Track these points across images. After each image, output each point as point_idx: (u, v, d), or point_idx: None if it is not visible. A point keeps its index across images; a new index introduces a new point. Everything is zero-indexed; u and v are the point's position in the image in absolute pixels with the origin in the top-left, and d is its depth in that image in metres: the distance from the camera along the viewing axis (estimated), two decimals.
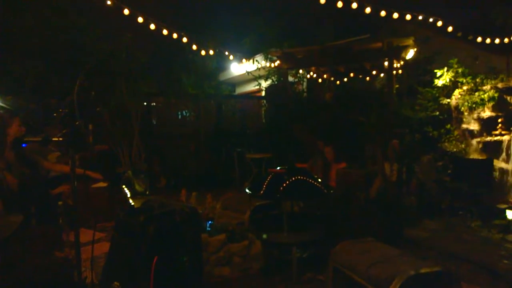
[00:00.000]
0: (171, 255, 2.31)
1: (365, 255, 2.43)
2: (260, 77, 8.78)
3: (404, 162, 5.19)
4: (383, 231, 3.68)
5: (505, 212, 4.74)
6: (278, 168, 3.51)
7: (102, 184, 5.01)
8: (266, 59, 8.38)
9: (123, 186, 5.02)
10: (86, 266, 2.45)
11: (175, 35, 6.23)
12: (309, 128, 6.93)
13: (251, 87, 10.68)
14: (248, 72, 8.73)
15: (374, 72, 8.12)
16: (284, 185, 3.15)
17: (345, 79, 8.72)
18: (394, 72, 6.85)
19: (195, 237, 2.54)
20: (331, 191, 3.54)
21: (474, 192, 5.18)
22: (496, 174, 5.39)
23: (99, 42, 6.09)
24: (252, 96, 11.25)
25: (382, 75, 8.01)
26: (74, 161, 2.20)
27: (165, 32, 6.07)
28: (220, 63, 10.08)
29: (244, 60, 8.29)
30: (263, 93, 9.72)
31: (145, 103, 8.04)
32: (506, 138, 5.42)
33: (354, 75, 8.47)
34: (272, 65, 8.09)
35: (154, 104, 8.90)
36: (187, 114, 9.48)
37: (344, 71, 8.40)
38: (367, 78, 8.46)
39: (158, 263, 2.15)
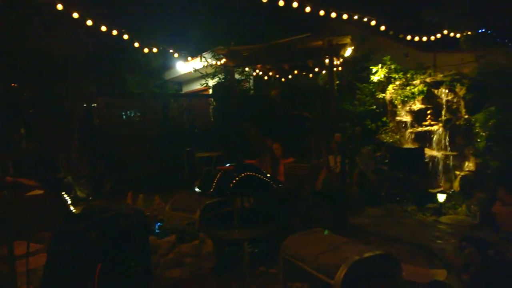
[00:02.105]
0: (116, 261, 2.22)
1: (313, 245, 2.53)
2: (207, 75, 8.71)
3: (346, 154, 5.44)
4: (330, 221, 3.84)
5: (436, 196, 5.17)
6: (227, 165, 3.52)
7: (37, 192, 4.66)
8: (212, 57, 8.33)
9: (63, 193, 4.72)
10: (23, 280, 2.28)
11: (115, 32, 5.97)
12: (256, 125, 7.02)
13: (198, 85, 10.56)
14: (195, 70, 8.62)
15: (316, 69, 8.41)
16: (234, 181, 3.16)
17: (290, 76, 8.94)
18: (335, 69, 7.16)
19: (142, 240, 2.47)
20: (280, 186, 3.62)
21: (408, 179, 5.60)
22: (428, 161, 5.85)
23: (31, 40, 5.66)
24: (199, 94, 11.12)
25: (324, 72, 8.31)
26: (7, 168, 2.04)
27: (103, 28, 5.79)
28: (166, 62, 9.84)
29: (189, 58, 8.17)
30: (210, 91, 9.65)
31: (85, 104, 7.62)
32: (435, 128, 5.91)
33: (298, 72, 8.72)
34: (219, 63, 8.07)
35: (96, 104, 8.46)
36: (132, 114, 9.14)
37: (288, 68, 8.61)
38: (310, 75, 8.75)
39: (103, 270, 2.07)
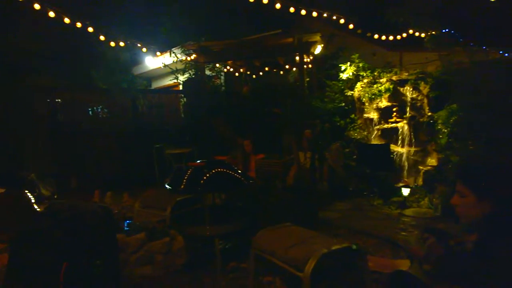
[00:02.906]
0: (82, 260, 2.16)
1: (283, 240, 2.57)
2: (177, 70, 8.58)
3: (316, 150, 5.54)
4: (300, 215, 3.90)
5: (401, 190, 5.37)
6: (198, 161, 3.50)
7: None
8: (182, 52, 8.21)
9: (26, 191, 4.52)
10: None
11: (79, 24, 5.76)
12: (227, 122, 7.01)
13: (168, 81, 10.38)
14: (164, 65, 8.47)
15: (287, 66, 8.49)
16: (205, 178, 3.15)
17: (261, 73, 8.97)
18: (305, 66, 7.26)
19: (110, 238, 2.42)
20: (251, 181, 3.64)
21: (375, 174, 5.78)
22: (394, 157, 6.07)
23: None
24: (170, 90, 10.93)
25: (294, 69, 8.41)
26: None
27: (67, 20, 5.57)
28: (134, 57, 9.59)
29: (158, 53, 8.01)
30: (180, 87, 9.52)
31: (48, 100, 7.31)
32: (400, 125, 6.12)
33: (269, 69, 8.77)
34: (189, 58, 7.96)
35: (60, 100, 8.14)
36: (100, 110, 8.86)
37: (259, 65, 8.64)
38: (281, 72, 8.83)
39: (68, 270, 2.01)
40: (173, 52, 8.22)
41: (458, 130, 4.90)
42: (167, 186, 3.21)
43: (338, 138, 6.48)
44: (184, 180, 3.16)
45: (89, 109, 8.55)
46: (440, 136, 5.42)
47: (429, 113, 5.84)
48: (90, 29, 5.97)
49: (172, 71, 8.39)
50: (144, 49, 7.42)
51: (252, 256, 2.68)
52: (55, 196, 5.87)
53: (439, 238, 2.87)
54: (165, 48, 8.20)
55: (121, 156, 7.70)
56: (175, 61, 8.30)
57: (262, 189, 4.30)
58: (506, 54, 5.46)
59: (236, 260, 3.30)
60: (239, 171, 3.56)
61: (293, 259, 2.32)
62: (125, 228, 3.28)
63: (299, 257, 2.29)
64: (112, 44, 6.57)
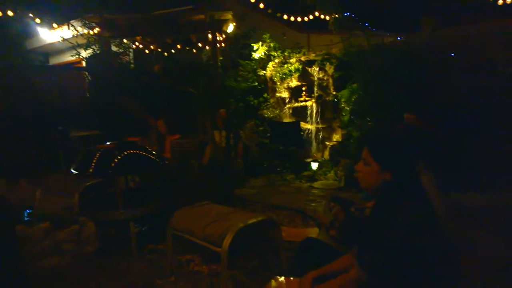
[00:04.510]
0: None
1: (201, 218, 2.59)
2: (78, 45, 7.79)
3: (231, 129, 5.61)
4: (217, 193, 3.96)
5: (310, 165, 5.77)
6: (107, 143, 3.31)
7: None
8: (83, 25, 7.46)
9: None
10: None
11: None
12: (139, 101, 6.66)
13: (69, 57, 9.40)
14: (63, 39, 7.62)
15: (200, 45, 8.32)
16: (116, 160, 3.00)
17: (173, 51, 8.65)
18: (218, 45, 7.20)
19: (6, 230, 2.19)
20: (166, 162, 3.57)
21: (287, 150, 6.10)
22: (303, 134, 6.47)
23: None
24: (72, 67, 9.93)
25: (207, 47, 8.28)
26: None
27: None
28: (27, 29, 8.43)
29: (55, 25, 7.16)
30: (84, 64, 8.70)
31: None
32: (309, 103, 6.52)
33: (181, 47, 8.48)
34: (91, 32, 7.28)
35: None
36: None
37: (171, 42, 8.31)
38: (194, 50, 8.62)
39: None
40: (72, 25, 7.42)
41: (358, 108, 5.36)
42: (73, 170, 2.98)
43: (252, 117, 6.64)
44: (93, 164, 2.97)
45: None
46: (343, 114, 5.89)
47: (334, 92, 6.30)
48: None
49: (73, 46, 7.61)
50: (38, 20, 6.57)
51: (169, 237, 2.66)
52: None
53: (343, 206, 3.20)
54: (63, 20, 7.37)
55: (16, 140, 6.83)
56: (75, 35, 7.52)
57: (178, 170, 4.25)
58: (399, 38, 6.07)
59: (153, 243, 3.25)
60: (153, 152, 3.46)
61: (211, 236, 2.36)
62: (26, 219, 2.98)
63: (216, 234, 2.33)
64: None
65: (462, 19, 5.96)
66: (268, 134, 6.51)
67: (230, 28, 7.16)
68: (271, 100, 6.96)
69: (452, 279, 1.51)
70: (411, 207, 1.42)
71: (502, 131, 3.81)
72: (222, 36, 7.42)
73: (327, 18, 6.94)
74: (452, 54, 4.75)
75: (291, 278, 2.19)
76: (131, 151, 3.20)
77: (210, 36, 6.86)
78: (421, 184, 1.47)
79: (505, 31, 4.91)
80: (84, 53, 7.93)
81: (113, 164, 2.95)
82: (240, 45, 7.65)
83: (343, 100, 5.86)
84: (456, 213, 1.50)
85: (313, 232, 3.40)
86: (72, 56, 8.58)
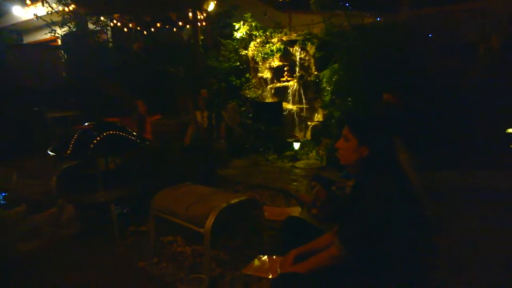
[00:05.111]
0: None
1: (183, 199, 2.58)
2: (53, 23, 7.47)
3: (213, 109, 5.57)
4: (199, 174, 3.96)
5: (292, 145, 5.81)
6: (86, 124, 3.23)
7: None
8: (58, 2, 7.13)
9: None
10: None
11: None
12: (118, 81, 6.50)
13: (44, 35, 9.03)
14: (37, 17, 7.29)
15: (180, 23, 8.11)
16: (95, 141, 2.94)
17: (152, 29, 8.41)
18: (199, 24, 7.03)
19: None
20: (147, 143, 3.52)
21: (269, 130, 6.11)
22: (285, 114, 6.48)
23: None
24: (48, 45, 9.56)
25: (188, 26, 8.09)
26: None
27: None
28: None
29: (28, 1, 6.83)
30: (59, 42, 8.38)
31: None
32: (291, 83, 6.51)
33: (161, 25, 8.25)
34: (66, 9, 6.98)
35: None
36: None
37: (150, 20, 8.06)
38: (174, 29, 8.41)
39: None
40: (47, 2, 7.09)
41: (339, 88, 5.39)
42: (50, 152, 2.91)
43: (234, 97, 6.60)
44: (71, 145, 2.91)
45: None
46: (325, 94, 5.92)
47: (315, 72, 6.30)
48: None
49: (47, 24, 7.29)
50: None
51: (151, 218, 2.65)
52: None
53: (324, 185, 3.26)
54: None
55: None
56: (49, 12, 7.20)
57: (160, 150, 4.21)
58: (378, 19, 6.06)
59: (135, 225, 3.23)
60: (134, 133, 3.41)
61: (193, 216, 2.36)
62: (1, 202, 2.91)
63: (199, 214, 2.33)
64: None
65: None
66: (251, 115, 6.49)
67: (211, 6, 6.99)
68: (253, 81, 6.92)
69: (428, 252, 1.58)
70: (385, 180, 1.46)
71: (478, 110, 3.92)
72: (202, 15, 7.25)
73: None
74: (430, 35, 4.80)
75: (274, 257, 2.24)
76: (111, 132, 3.14)
77: (190, 14, 6.70)
78: (397, 160, 1.51)
79: (481, 11, 4.97)
80: (60, 31, 7.64)
81: (92, 146, 2.89)
82: (221, 24, 7.51)
83: (324, 80, 5.87)
84: (431, 190, 1.55)
85: (296, 211, 3.46)
86: (46, 34, 8.26)
